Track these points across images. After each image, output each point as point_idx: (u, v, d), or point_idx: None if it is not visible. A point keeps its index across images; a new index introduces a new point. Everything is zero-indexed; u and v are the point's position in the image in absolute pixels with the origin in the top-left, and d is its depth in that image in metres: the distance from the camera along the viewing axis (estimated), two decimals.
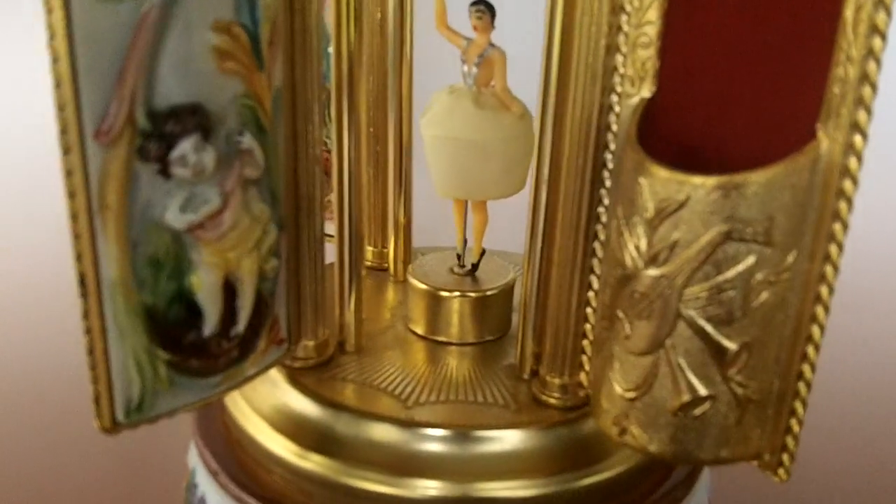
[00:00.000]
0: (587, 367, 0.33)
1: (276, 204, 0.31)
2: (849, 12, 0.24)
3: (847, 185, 0.25)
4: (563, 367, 0.33)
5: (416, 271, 0.40)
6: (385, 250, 0.46)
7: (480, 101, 0.36)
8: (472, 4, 0.36)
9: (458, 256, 0.40)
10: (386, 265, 0.46)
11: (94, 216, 0.26)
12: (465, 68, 0.36)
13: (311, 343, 0.35)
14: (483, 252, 0.40)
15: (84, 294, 0.27)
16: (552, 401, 0.34)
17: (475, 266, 0.40)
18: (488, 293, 0.39)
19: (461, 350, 0.38)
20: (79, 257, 0.27)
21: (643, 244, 0.27)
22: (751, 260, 0.26)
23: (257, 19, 0.29)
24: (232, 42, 0.28)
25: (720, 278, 0.26)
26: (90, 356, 0.28)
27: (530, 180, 0.38)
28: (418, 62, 0.42)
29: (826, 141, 0.25)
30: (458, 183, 0.37)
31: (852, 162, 0.25)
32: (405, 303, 0.42)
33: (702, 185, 0.25)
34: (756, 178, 0.25)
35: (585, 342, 0.33)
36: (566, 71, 0.31)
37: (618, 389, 0.29)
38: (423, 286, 0.39)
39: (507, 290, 0.39)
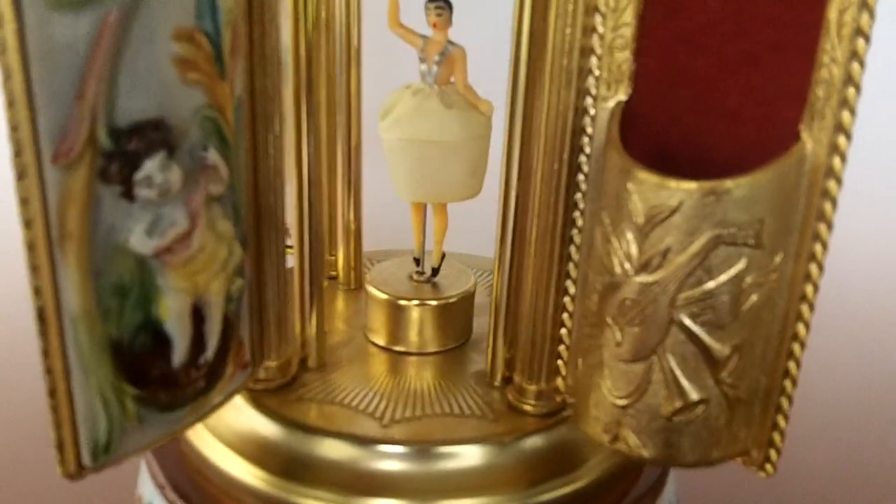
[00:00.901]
0: (563, 373, 0.33)
1: (238, 220, 0.30)
2: (833, 14, 0.24)
3: (832, 185, 0.26)
4: (539, 374, 0.33)
5: (375, 279, 0.39)
6: (333, 257, 0.44)
7: (447, 100, 0.35)
8: (431, 1, 0.35)
9: (417, 261, 0.39)
10: (335, 273, 0.44)
11: (54, 245, 0.24)
12: (425, 67, 0.35)
13: (273, 363, 0.34)
14: (443, 256, 0.39)
15: (44, 331, 0.25)
16: (528, 408, 0.33)
17: (435, 271, 0.39)
18: (450, 300, 0.38)
19: (425, 360, 0.38)
20: (37, 291, 0.24)
21: (633, 251, 0.26)
22: (742, 263, 0.26)
23: (219, 26, 0.27)
24: (194, 50, 0.26)
25: (712, 283, 0.26)
26: (51, 398, 0.26)
27: (496, 183, 0.37)
28: (366, 60, 0.41)
29: (810, 142, 0.26)
30: (425, 186, 0.36)
31: (836, 162, 0.25)
32: (361, 312, 0.41)
33: (696, 190, 0.25)
34: (747, 182, 0.25)
35: (562, 347, 0.32)
36: (536, 72, 0.30)
37: (608, 397, 0.28)
38: (383, 295, 0.38)
39: (468, 296, 0.38)
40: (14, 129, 0.23)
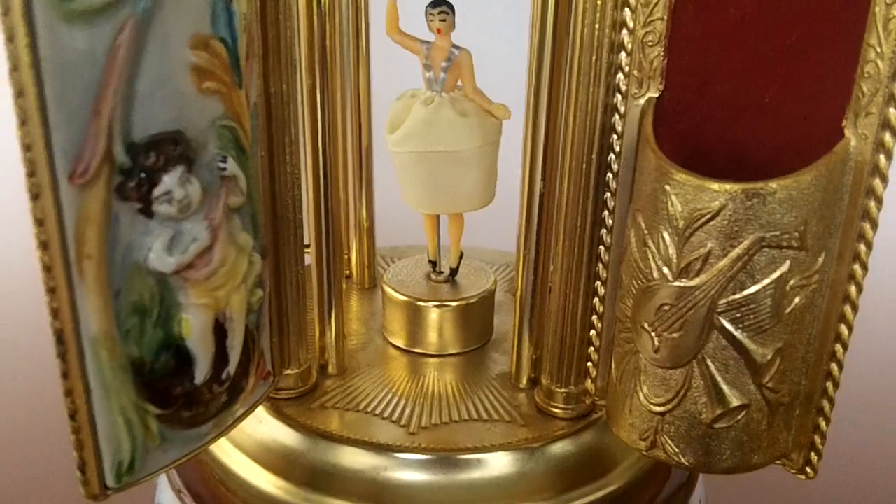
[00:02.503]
0: (593, 375, 0.32)
1: (257, 230, 0.29)
2: (878, 8, 0.23)
3: (877, 183, 0.25)
4: (568, 377, 0.32)
5: (392, 280, 0.38)
6: (346, 255, 0.43)
7: (460, 107, 0.33)
8: (433, 6, 0.33)
9: (434, 264, 0.38)
10: (348, 272, 0.43)
11: (72, 267, 0.23)
12: (431, 74, 0.34)
13: (294, 371, 0.33)
14: (461, 256, 0.38)
15: (63, 353, 0.24)
16: (557, 411, 0.32)
17: (454, 272, 0.38)
18: (471, 300, 0.37)
19: (446, 361, 0.37)
20: (55, 313, 0.23)
21: (672, 255, 0.25)
22: (785, 266, 0.25)
23: (235, 31, 0.26)
24: (211, 59, 0.25)
25: (755, 287, 0.25)
26: (73, 420, 0.25)
27: (508, 178, 0.36)
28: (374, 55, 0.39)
29: (854, 139, 0.25)
30: (441, 198, 0.35)
31: (882, 160, 0.24)
32: (377, 313, 0.40)
33: (740, 192, 0.24)
34: (792, 182, 0.24)
35: (591, 349, 0.32)
36: (558, 69, 0.29)
37: (645, 403, 0.28)
38: (402, 297, 0.37)
39: (489, 296, 0.37)
40: (27, 148, 0.22)
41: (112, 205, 0.23)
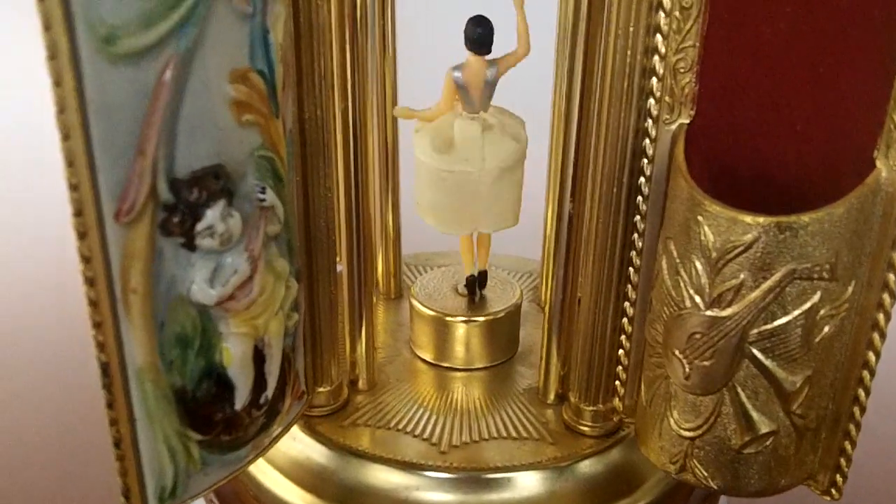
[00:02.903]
0: (621, 393, 0.32)
1: (293, 255, 0.29)
2: None
3: None
4: (596, 395, 0.32)
5: (420, 294, 0.38)
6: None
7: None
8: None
9: (468, 280, 0.38)
10: (374, 281, 0.44)
11: (118, 302, 0.23)
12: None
13: (326, 389, 0.33)
14: (486, 275, 0.38)
15: (108, 385, 0.24)
16: (586, 429, 0.33)
17: (481, 285, 0.38)
18: (498, 315, 0.37)
19: (473, 375, 0.37)
20: (101, 346, 0.24)
21: (705, 285, 0.26)
22: (816, 297, 0.25)
23: (272, 62, 0.26)
24: (249, 91, 0.25)
25: (786, 318, 0.25)
26: (117, 448, 0.25)
27: (534, 192, 0.37)
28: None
29: (885, 170, 0.25)
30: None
31: None
32: (404, 324, 0.41)
33: (773, 226, 0.24)
34: (823, 216, 0.24)
35: (619, 368, 0.32)
36: (590, 93, 0.30)
37: (676, 428, 0.28)
38: (430, 311, 0.37)
39: (515, 309, 0.38)
40: (74, 188, 0.22)
41: (156, 240, 0.24)
